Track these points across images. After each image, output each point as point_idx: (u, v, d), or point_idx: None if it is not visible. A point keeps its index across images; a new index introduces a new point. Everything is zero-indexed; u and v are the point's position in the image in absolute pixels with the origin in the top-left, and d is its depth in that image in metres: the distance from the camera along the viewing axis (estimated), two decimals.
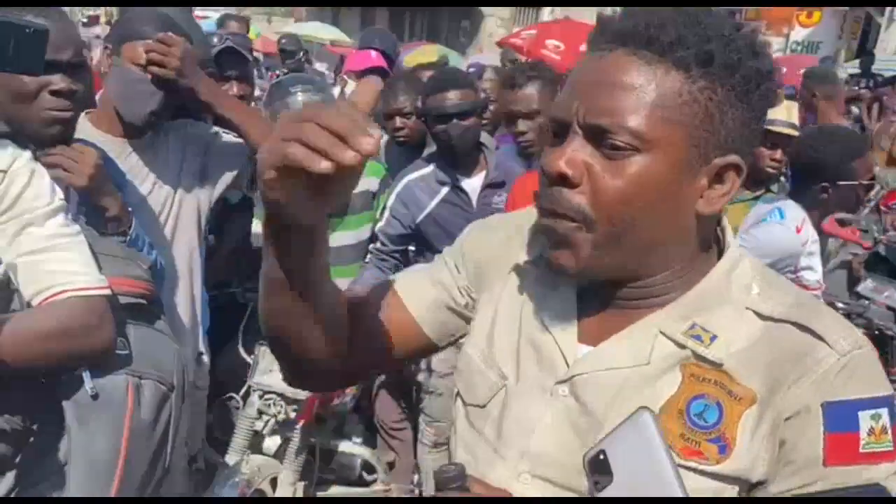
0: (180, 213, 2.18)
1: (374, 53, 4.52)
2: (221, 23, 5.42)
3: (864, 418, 0.81)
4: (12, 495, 1.38)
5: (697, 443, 0.84)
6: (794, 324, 0.85)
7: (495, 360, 0.99)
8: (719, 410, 0.84)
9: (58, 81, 1.57)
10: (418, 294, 1.07)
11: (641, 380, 0.87)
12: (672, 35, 0.81)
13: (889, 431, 0.82)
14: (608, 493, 0.78)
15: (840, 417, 0.81)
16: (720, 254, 0.93)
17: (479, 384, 0.99)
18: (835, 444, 0.81)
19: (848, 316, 2.92)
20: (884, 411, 0.82)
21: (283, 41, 6.96)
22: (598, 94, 0.83)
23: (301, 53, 6.57)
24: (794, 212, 2.46)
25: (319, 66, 8.81)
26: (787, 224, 2.44)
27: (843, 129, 2.97)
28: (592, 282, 0.92)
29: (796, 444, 0.83)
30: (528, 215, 1.00)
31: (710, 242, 0.93)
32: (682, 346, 0.87)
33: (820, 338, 0.84)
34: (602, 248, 0.85)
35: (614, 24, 0.85)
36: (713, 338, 0.86)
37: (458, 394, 1.04)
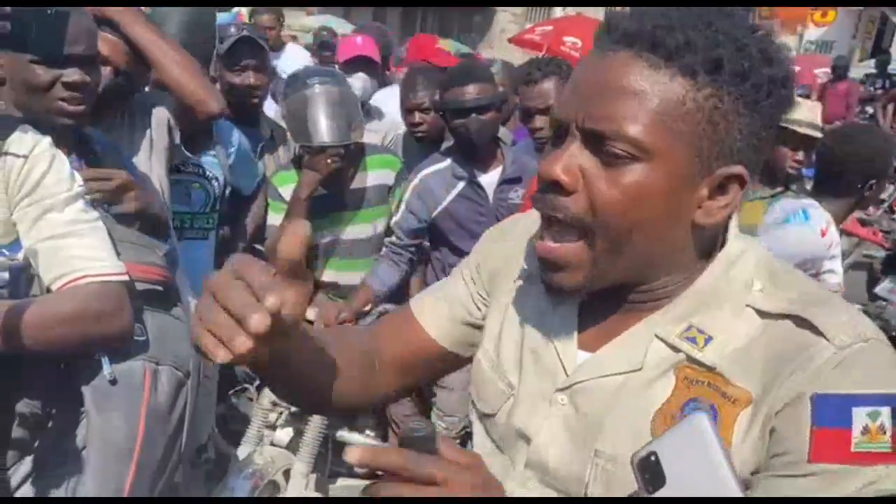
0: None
1: (359, 39, 4.16)
2: (252, 16, 5.37)
3: (859, 415, 0.75)
4: (30, 480, 1.39)
5: None
6: (793, 318, 0.81)
7: (503, 368, 0.98)
8: (714, 413, 0.80)
9: (71, 74, 1.57)
10: (434, 313, 1.08)
11: (638, 385, 0.85)
12: (680, 39, 0.77)
13: (888, 432, 0.75)
14: (661, 494, 0.75)
15: (830, 412, 0.75)
16: None
17: (490, 393, 0.99)
18: (822, 440, 0.75)
19: None
20: (885, 410, 0.75)
21: (324, 33, 6.87)
22: (599, 97, 0.80)
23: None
24: (820, 214, 2.42)
25: None
26: (812, 226, 2.39)
27: (874, 127, 2.95)
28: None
29: (785, 435, 0.77)
30: (537, 219, 0.98)
31: (717, 245, 0.89)
32: (677, 350, 0.84)
33: (819, 332, 0.78)
34: (601, 262, 0.83)
35: (622, 24, 0.81)
36: (708, 339, 0.83)
37: (472, 403, 1.03)
